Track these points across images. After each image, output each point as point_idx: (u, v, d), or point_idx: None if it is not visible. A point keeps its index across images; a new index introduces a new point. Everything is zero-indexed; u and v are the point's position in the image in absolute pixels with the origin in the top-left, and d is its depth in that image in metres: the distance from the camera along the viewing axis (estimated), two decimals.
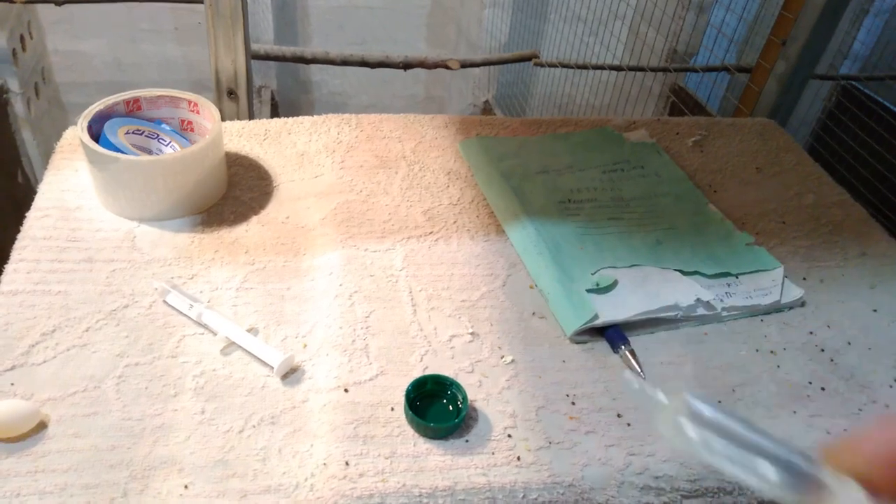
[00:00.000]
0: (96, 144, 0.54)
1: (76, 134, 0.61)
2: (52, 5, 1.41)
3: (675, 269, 0.55)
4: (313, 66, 1.86)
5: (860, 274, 0.58)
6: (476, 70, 1.82)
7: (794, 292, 0.55)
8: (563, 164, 0.67)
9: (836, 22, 0.82)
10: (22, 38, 1.46)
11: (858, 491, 0.17)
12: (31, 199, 0.57)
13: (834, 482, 0.18)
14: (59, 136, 0.65)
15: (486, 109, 1.92)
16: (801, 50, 0.83)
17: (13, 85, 1.38)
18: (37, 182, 1.43)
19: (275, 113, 1.85)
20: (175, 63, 1.80)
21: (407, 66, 1.49)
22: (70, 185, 0.59)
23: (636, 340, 0.50)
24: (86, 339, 0.46)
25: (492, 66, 1.75)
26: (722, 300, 0.53)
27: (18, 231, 0.54)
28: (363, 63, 1.48)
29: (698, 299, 0.52)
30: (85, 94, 1.78)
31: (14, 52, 1.38)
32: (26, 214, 0.56)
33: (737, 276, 0.55)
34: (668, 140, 0.73)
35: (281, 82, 1.89)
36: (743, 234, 0.60)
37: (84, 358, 0.45)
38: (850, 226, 0.64)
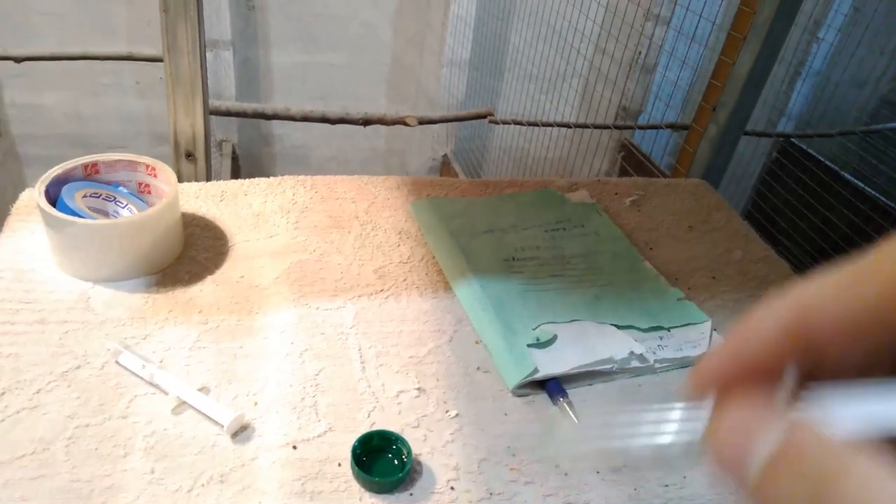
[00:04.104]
0: (53, 208, 0.55)
1: (32, 196, 0.62)
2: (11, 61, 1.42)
3: (612, 324, 0.58)
4: (275, 121, 1.90)
5: None
6: (435, 125, 1.88)
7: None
8: (508, 224, 0.70)
9: (759, 90, 0.89)
10: None
11: (707, 406, 0.18)
12: None
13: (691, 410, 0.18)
14: (13, 188, 0.66)
15: (446, 163, 1.98)
16: (730, 115, 0.89)
17: None
18: None
19: (236, 166, 1.87)
20: (136, 116, 1.82)
21: (367, 122, 1.54)
22: (24, 246, 0.60)
23: (574, 392, 0.53)
24: (36, 400, 0.47)
25: (450, 122, 1.82)
26: (655, 353, 0.56)
27: None
28: (324, 119, 1.53)
29: (632, 352, 0.55)
30: (43, 146, 1.78)
31: None
32: None
33: (669, 329, 0.59)
34: (607, 200, 0.78)
35: (242, 136, 1.92)
36: (675, 290, 0.64)
37: (34, 420, 0.46)
38: (775, 280, 0.68)
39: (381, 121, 1.52)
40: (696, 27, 1.15)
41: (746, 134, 1.04)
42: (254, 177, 0.73)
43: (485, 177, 1.91)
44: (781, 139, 1.66)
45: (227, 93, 1.76)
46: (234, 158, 1.88)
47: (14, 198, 0.66)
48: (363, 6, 1.81)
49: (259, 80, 1.86)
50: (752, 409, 0.16)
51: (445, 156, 1.98)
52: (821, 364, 0.18)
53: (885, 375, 0.18)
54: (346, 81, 1.93)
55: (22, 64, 1.47)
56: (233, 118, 1.83)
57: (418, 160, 2.01)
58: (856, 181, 1.43)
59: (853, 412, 0.15)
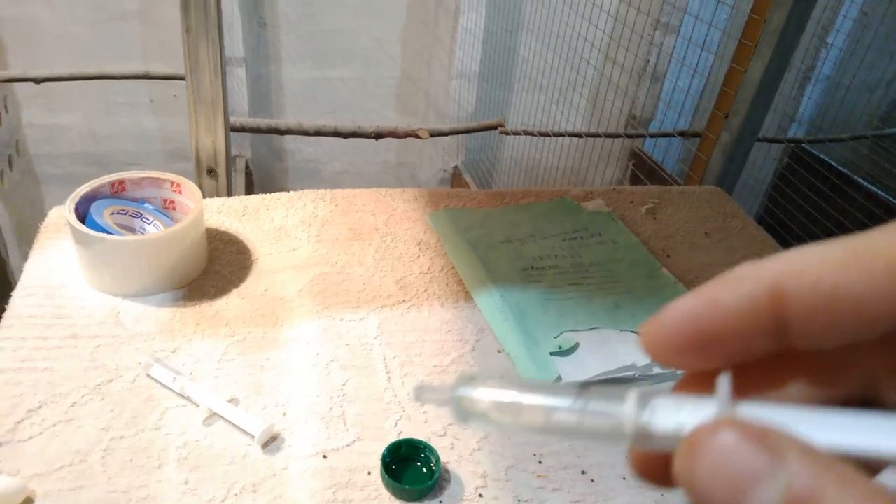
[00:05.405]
0: (83, 225, 0.57)
1: (61, 214, 0.63)
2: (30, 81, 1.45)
3: (632, 331, 0.59)
4: (287, 136, 1.92)
5: None
6: (446, 137, 1.89)
7: None
8: (525, 234, 0.71)
9: (771, 97, 0.89)
10: None
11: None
12: (1, 268, 0.59)
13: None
14: (31, 206, 0.68)
15: (456, 174, 1.99)
16: (742, 122, 0.90)
17: None
18: (7, 252, 1.44)
19: (249, 181, 1.89)
20: (150, 134, 1.84)
21: (378, 135, 1.55)
22: (55, 263, 0.62)
23: None
24: (71, 414, 0.48)
25: (460, 134, 1.83)
26: None
27: None
28: (336, 133, 1.54)
29: None
30: (60, 165, 1.81)
31: None
32: (11, 293, 0.58)
33: None
34: (623, 208, 0.78)
35: (255, 151, 1.94)
36: None
37: (70, 433, 0.47)
38: None
39: (394, 134, 1.53)
40: (706, 35, 1.15)
41: (758, 140, 1.04)
42: (267, 191, 0.75)
43: (496, 187, 1.92)
44: (793, 145, 1.66)
45: (240, 109, 1.78)
46: (248, 174, 1.90)
47: (33, 215, 0.68)
48: (371, 22, 1.84)
49: (271, 95, 1.89)
50: (740, 453, 0.14)
51: (456, 167, 1.99)
52: (783, 344, 0.16)
53: (859, 370, 0.16)
54: (355, 96, 1.95)
55: (39, 85, 1.49)
56: (245, 134, 1.85)
57: (429, 172, 2.02)
58: (868, 185, 1.43)
59: (831, 442, 0.14)
